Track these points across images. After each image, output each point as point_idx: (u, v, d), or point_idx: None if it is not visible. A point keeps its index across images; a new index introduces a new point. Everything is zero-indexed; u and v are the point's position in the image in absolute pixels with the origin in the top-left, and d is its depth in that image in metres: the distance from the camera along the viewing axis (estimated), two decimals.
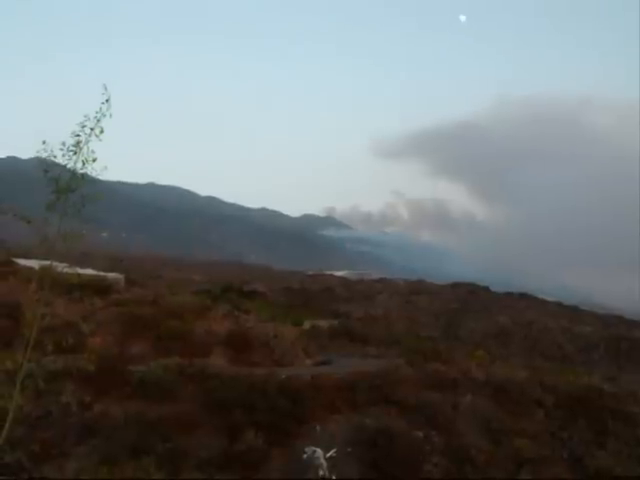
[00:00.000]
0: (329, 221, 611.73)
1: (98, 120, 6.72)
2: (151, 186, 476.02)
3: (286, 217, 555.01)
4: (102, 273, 27.02)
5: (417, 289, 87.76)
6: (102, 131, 6.77)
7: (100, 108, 6.67)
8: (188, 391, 12.53)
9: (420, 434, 12.35)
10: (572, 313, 79.63)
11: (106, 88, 6.59)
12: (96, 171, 6.82)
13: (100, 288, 21.87)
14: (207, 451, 10.66)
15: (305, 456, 10.99)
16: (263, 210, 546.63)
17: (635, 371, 45.94)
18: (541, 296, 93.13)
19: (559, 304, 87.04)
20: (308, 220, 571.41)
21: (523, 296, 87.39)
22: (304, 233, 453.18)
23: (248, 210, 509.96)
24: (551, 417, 14.91)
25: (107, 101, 6.68)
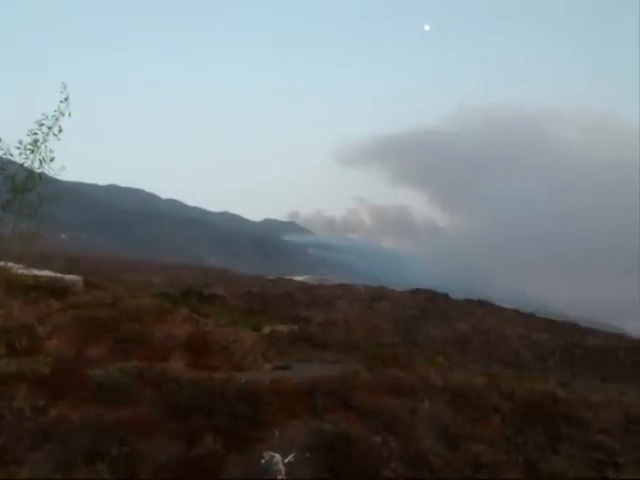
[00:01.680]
0: (291, 226, 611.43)
1: (56, 119, 6.64)
2: (112, 188, 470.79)
3: (248, 221, 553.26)
4: (60, 275, 26.54)
5: (377, 295, 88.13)
6: (60, 130, 6.70)
7: (58, 107, 6.60)
8: (146, 395, 12.41)
9: (378, 439, 12.40)
10: (529, 320, 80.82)
11: (65, 87, 6.52)
12: (54, 171, 6.74)
13: (57, 290, 21.49)
14: (164, 455, 10.56)
15: (263, 461, 10.96)
16: (225, 214, 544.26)
17: (588, 377, 46.85)
18: (499, 303, 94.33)
19: (517, 311, 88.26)
20: (270, 225, 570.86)
21: (482, 303, 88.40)
22: (266, 237, 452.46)
23: (210, 214, 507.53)
24: (507, 423, 15.10)
25: (66, 100, 6.61)
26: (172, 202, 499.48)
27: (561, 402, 16.92)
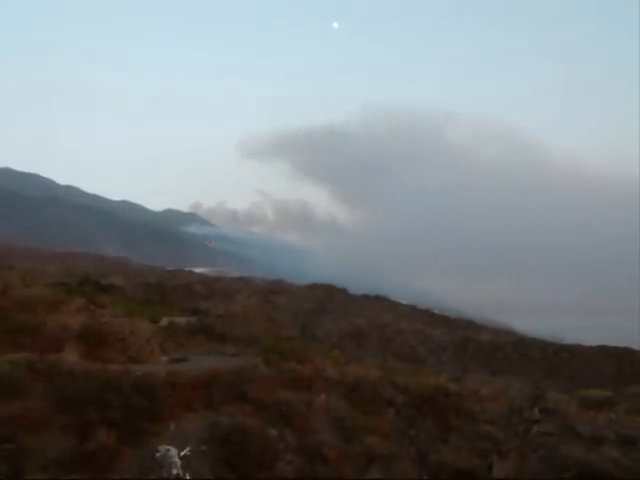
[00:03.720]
0: (193, 217, 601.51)
1: None
2: (6, 171, 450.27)
3: (148, 211, 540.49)
4: None
5: (276, 289, 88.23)
6: None
7: None
8: (37, 388, 12.03)
9: (274, 432, 12.49)
10: (425, 316, 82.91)
11: None
12: None
13: None
14: (55, 451, 10.29)
15: (158, 455, 10.86)
16: (124, 203, 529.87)
17: (478, 371, 48.54)
18: (397, 299, 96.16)
19: (413, 307, 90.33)
20: (171, 215, 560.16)
21: (379, 299, 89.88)
22: (166, 228, 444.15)
23: (109, 202, 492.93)
24: (401, 415, 15.51)
25: None
26: (70, 189, 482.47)
27: (452, 395, 17.51)
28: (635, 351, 58.99)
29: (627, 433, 16.76)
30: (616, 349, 60.11)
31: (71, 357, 15.70)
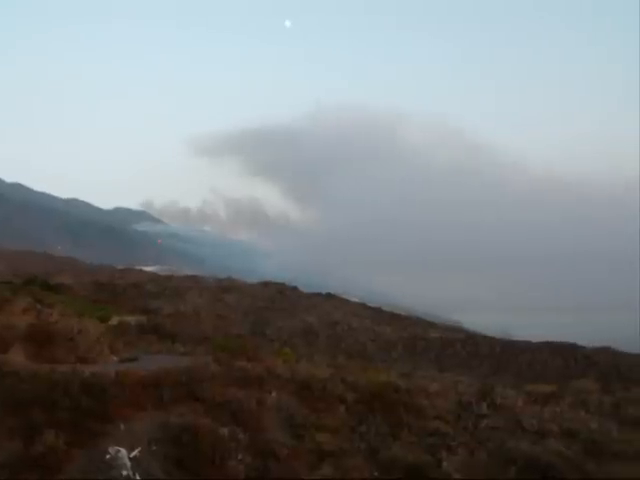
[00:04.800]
0: (144, 215, 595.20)
1: None
2: None
3: (98, 209, 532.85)
4: None
5: (227, 287, 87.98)
6: None
7: None
8: None
9: (225, 431, 12.47)
10: (375, 314, 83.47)
11: None
12: None
13: None
14: (1, 454, 10.12)
15: (108, 456, 10.75)
16: (73, 201, 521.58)
17: (428, 368, 49.13)
18: (347, 297, 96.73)
19: (364, 305, 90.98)
20: (121, 213, 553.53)
21: (330, 296, 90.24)
22: (116, 226, 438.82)
23: (57, 200, 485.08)
24: (351, 412, 15.63)
25: None
26: (16, 186, 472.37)
27: (402, 392, 17.72)
28: (580, 346, 60.46)
29: (570, 426, 17.22)
30: (562, 345, 61.47)
31: (17, 358, 15.44)
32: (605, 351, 58.83)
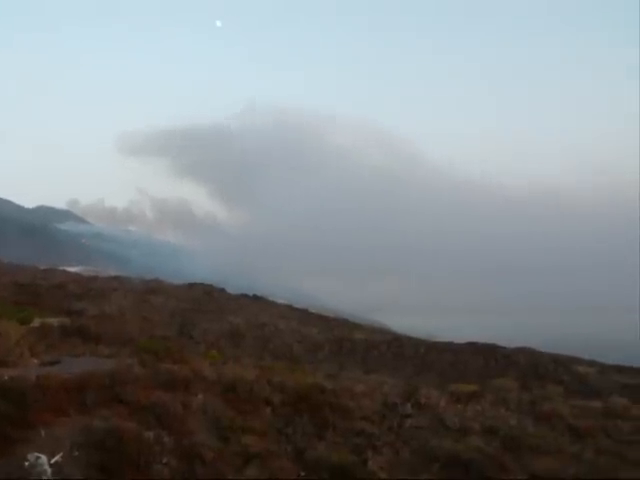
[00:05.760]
0: (68, 214, 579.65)
1: None
2: None
3: (19, 207, 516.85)
4: None
5: (153, 288, 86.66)
6: None
7: None
8: None
9: (150, 434, 12.33)
10: (302, 316, 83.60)
11: None
12: None
13: None
14: None
15: (27, 463, 10.47)
16: None
17: (354, 369, 49.55)
18: (274, 299, 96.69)
19: (290, 307, 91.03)
20: (44, 212, 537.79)
21: (257, 298, 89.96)
22: (38, 225, 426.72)
23: None
24: (278, 414, 15.70)
25: None
26: None
27: (328, 393, 17.88)
28: (500, 347, 61.91)
29: (491, 424, 17.80)
30: (483, 345, 62.81)
31: None
32: (524, 351, 60.43)
